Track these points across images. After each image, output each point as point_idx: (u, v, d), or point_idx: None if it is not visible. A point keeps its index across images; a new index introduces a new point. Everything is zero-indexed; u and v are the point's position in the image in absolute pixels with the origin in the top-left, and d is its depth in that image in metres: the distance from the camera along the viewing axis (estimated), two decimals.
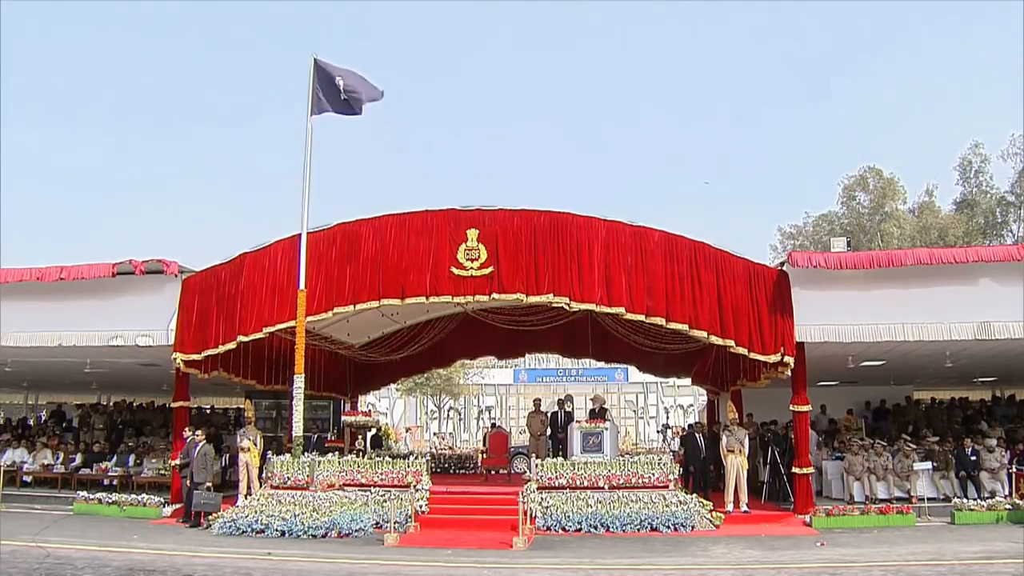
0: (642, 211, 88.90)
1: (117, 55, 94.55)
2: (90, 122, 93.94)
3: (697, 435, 16.37)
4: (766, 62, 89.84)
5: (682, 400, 42.85)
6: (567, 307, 14.04)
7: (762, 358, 13.63)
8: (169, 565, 9.96)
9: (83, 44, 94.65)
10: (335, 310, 14.29)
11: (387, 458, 14.85)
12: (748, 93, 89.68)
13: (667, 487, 13.46)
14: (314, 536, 12.09)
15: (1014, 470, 14.91)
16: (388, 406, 40.99)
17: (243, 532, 12.48)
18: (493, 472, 18.36)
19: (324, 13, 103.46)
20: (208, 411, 24.11)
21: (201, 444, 14.05)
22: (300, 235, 14.23)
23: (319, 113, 14.75)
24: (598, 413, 16.52)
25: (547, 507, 13.10)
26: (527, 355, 42.21)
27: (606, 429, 15.19)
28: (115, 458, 18.40)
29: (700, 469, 15.83)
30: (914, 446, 15.77)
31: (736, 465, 14.25)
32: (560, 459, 14.53)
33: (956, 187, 40.54)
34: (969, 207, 39.35)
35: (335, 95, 14.73)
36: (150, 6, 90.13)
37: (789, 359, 13.51)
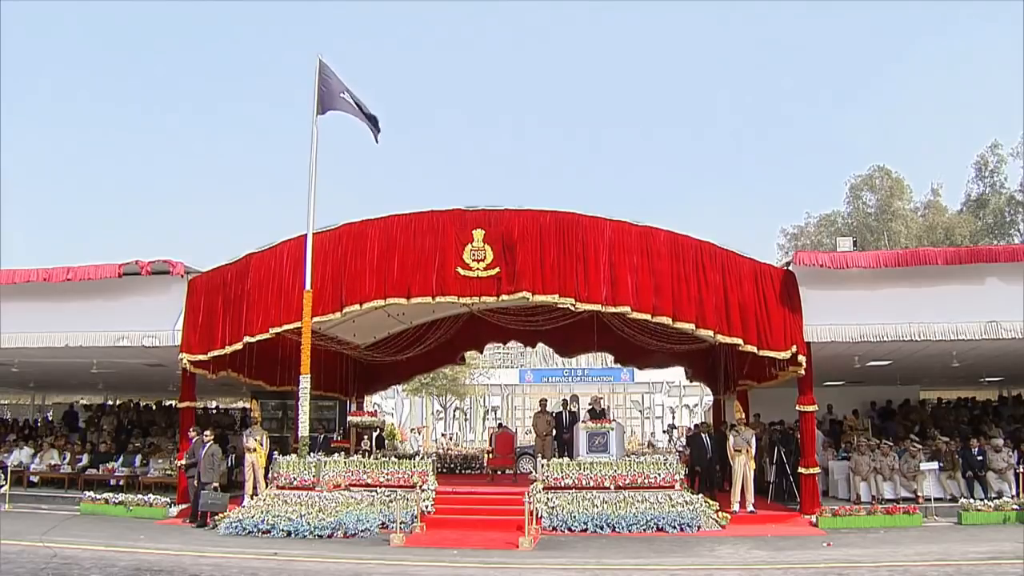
0: (646, 211, 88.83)
1: (119, 55, 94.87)
2: (92, 123, 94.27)
3: (703, 435, 16.32)
4: (770, 63, 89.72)
5: (688, 400, 42.76)
6: (572, 307, 14.02)
7: (772, 355, 13.60)
8: (176, 565, 9.98)
9: (84, 44, 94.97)
10: (342, 310, 14.28)
11: (393, 458, 14.85)
12: (749, 94, 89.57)
13: (673, 487, 13.45)
14: (320, 536, 12.11)
15: (1021, 470, 14.84)
16: (394, 406, 41.00)
17: (249, 532, 12.50)
18: (499, 472, 18.36)
19: (330, 11, 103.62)
20: (213, 411, 24.18)
21: (208, 444, 14.06)
22: (306, 235, 14.23)
23: (324, 113, 14.77)
24: (598, 413, 16.50)
25: (553, 507, 13.09)
26: (532, 356, 42.35)
27: (611, 429, 15.17)
28: (121, 458, 18.46)
29: (706, 469, 15.79)
30: (920, 446, 15.74)
31: (743, 465, 14.22)
32: (566, 459, 14.50)
33: (968, 185, 40.58)
34: (980, 206, 39.26)
35: (340, 98, 14.75)
36: (156, 6, 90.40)
37: (802, 357, 13.50)
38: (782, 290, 13.74)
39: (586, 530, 12.58)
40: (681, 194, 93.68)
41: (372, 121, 15.13)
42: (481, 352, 26.20)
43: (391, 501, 13.25)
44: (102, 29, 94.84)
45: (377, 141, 15.29)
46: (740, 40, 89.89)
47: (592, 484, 13.53)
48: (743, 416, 15.07)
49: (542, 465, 14.08)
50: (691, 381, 24.59)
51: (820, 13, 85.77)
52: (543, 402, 19.10)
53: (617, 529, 12.56)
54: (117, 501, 15.05)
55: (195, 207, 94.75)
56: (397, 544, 11.41)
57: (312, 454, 14.26)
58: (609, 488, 13.43)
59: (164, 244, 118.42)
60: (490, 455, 18.82)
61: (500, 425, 25.13)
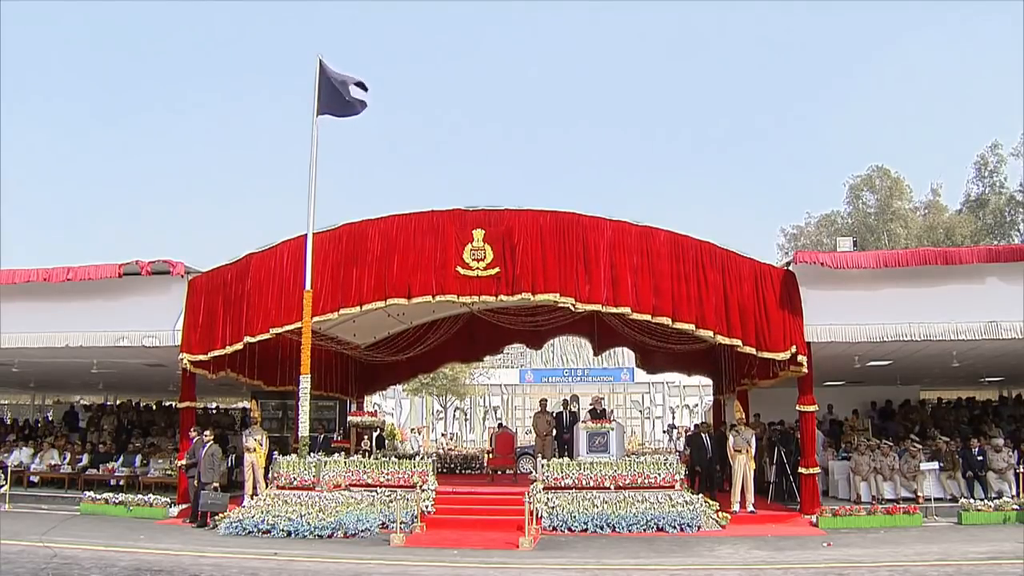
0: (646, 211, 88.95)
1: (119, 54, 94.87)
2: (91, 122, 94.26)
3: (703, 435, 16.31)
4: (770, 63, 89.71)
5: (688, 400, 42.78)
6: (573, 307, 14.02)
7: (771, 356, 13.60)
8: (176, 565, 9.98)
9: (85, 43, 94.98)
10: (341, 311, 14.26)
11: (393, 458, 14.84)
12: (749, 94, 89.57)
13: (673, 487, 13.44)
14: (320, 536, 12.11)
15: (1021, 470, 14.84)
16: (395, 406, 41.02)
17: (249, 532, 12.50)
18: (499, 472, 18.36)
19: (330, 11, 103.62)
20: (213, 411, 24.16)
21: (208, 444, 14.06)
22: (306, 235, 14.23)
23: (325, 114, 14.74)
24: (599, 413, 16.51)
25: (553, 507, 13.08)
26: (533, 356, 42.32)
27: (612, 429, 15.16)
28: (122, 458, 18.45)
29: (706, 469, 15.79)
30: (920, 446, 15.73)
31: (743, 465, 14.21)
32: (566, 459, 14.49)
33: (968, 185, 40.57)
34: (980, 206, 39.25)
35: (339, 97, 14.70)
36: (152, 5, 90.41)
37: (802, 358, 13.49)
38: (782, 290, 13.72)
39: (586, 530, 12.57)
40: (681, 194, 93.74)
41: (361, 100, 14.92)
42: (487, 355, 26.17)
43: (391, 501, 13.25)
44: (102, 28, 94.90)
45: (367, 104, 14.91)
46: (740, 39, 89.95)
47: (592, 484, 13.53)
48: (743, 416, 15.07)
49: (542, 465, 14.07)
50: (693, 375, 24.55)
51: (820, 12, 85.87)
52: (543, 402, 19.08)
53: (617, 529, 12.55)
54: (117, 501, 15.05)
55: (195, 207, 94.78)
56: (397, 544, 11.41)
57: (312, 454, 14.25)
58: (609, 488, 13.42)
59: (164, 244, 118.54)
60: (490, 455, 18.81)
61: (500, 425, 25.10)
